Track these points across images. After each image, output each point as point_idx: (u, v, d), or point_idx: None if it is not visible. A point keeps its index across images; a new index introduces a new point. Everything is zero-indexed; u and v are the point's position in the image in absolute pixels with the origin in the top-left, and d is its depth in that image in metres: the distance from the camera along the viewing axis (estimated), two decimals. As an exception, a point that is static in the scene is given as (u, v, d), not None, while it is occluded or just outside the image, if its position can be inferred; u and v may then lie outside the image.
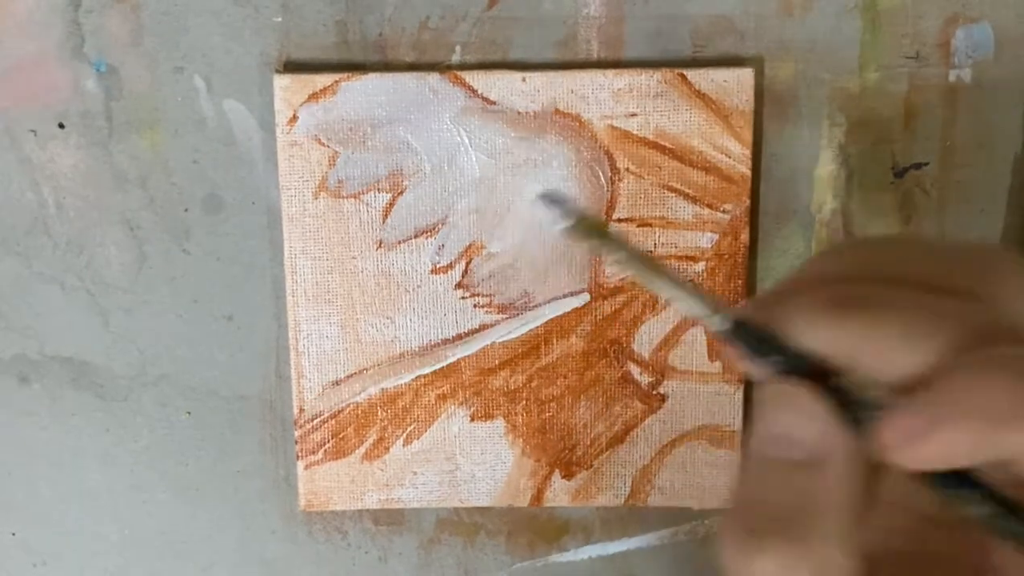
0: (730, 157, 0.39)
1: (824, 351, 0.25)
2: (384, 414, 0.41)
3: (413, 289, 0.40)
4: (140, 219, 0.40)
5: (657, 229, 0.39)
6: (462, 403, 0.41)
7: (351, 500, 0.41)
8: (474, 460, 0.41)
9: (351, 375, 0.40)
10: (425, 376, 0.40)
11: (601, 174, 0.39)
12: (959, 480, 0.24)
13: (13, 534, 0.43)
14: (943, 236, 0.40)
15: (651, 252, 0.31)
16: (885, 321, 0.25)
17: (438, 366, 0.40)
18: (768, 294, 0.27)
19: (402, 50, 0.39)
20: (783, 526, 0.26)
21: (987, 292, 0.25)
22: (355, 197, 0.39)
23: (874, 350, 0.25)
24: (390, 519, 0.43)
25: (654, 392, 0.41)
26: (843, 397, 0.25)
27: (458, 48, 0.39)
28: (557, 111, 0.38)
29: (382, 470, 0.41)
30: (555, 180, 0.39)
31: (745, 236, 0.39)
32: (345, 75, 0.38)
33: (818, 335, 0.25)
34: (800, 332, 0.25)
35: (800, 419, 0.26)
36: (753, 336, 0.26)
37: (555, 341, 0.40)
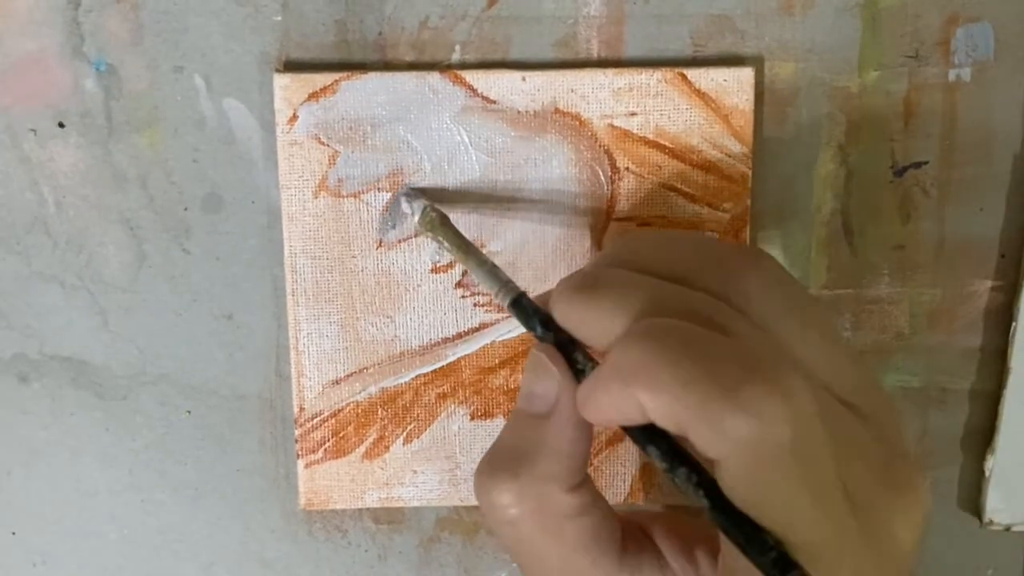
0: (730, 156, 0.39)
1: (563, 324, 0.31)
2: (384, 413, 0.41)
3: (413, 288, 0.40)
4: (140, 218, 0.40)
5: (657, 228, 0.39)
6: (462, 402, 0.41)
7: (351, 499, 0.41)
8: (474, 459, 0.41)
9: (351, 374, 0.40)
10: (425, 375, 0.40)
11: (601, 173, 0.39)
12: (649, 436, 0.29)
13: (13, 533, 0.43)
14: (943, 235, 0.40)
15: (470, 241, 0.37)
16: (597, 298, 0.29)
17: (438, 365, 0.40)
18: (563, 279, 0.32)
19: (402, 49, 0.39)
20: (514, 465, 0.31)
21: (729, 288, 0.30)
22: (355, 196, 0.39)
23: (589, 323, 0.30)
24: (390, 518, 0.43)
25: (654, 391, 0.41)
26: (576, 366, 0.31)
27: (458, 47, 0.39)
28: (557, 110, 0.38)
29: (382, 469, 0.41)
30: (555, 179, 0.39)
31: (745, 235, 0.40)
32: (345, 74, 0.38)
33: (558, 310, 0.31)
34: (553, 310, 0.31)
35: (540, 379, 0.31)
36: (525, 310, 0.32)
37: (555, 340, 0.40)
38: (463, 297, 0.40)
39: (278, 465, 0.42)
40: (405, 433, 0.41)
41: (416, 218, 0.38)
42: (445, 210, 0.37)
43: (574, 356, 0.31)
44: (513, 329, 0.40)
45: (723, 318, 0.29)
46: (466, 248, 0.36)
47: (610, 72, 0.38)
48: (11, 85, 0.38)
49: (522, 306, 0.33)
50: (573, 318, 0.31)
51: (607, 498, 0.41)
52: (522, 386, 0.33)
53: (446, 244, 0.37)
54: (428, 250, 0.39)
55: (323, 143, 0.38)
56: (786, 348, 0.29)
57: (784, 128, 0.40)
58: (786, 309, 0.30)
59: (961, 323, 0.41)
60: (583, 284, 0.30)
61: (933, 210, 0.40)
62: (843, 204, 0.40)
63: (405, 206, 0.38)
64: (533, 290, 0.40)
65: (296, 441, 0.41)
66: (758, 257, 0.32)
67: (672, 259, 0.31)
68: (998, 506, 0.42)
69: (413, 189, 0.39)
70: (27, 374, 0.41)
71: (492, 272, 0.35)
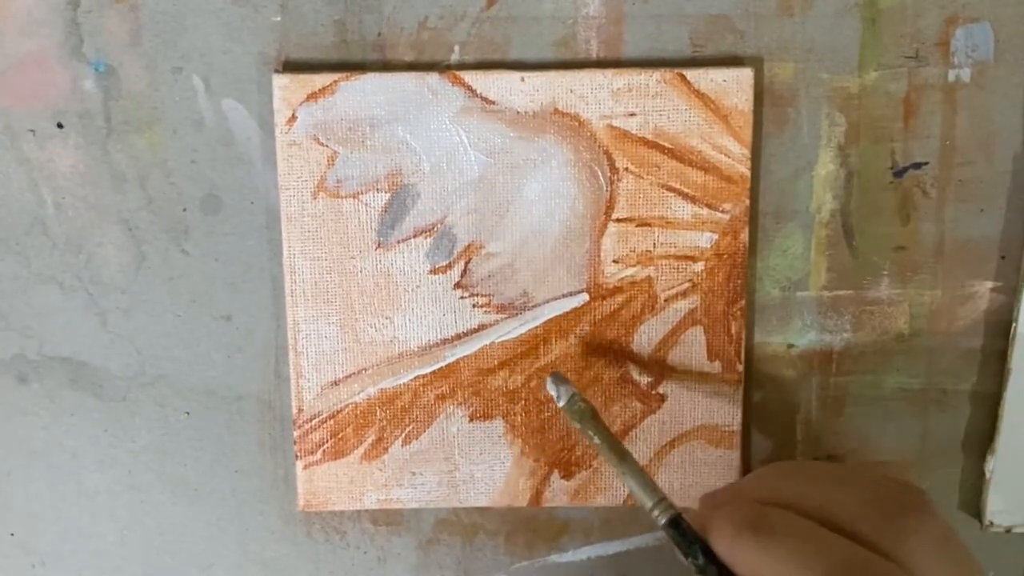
0: (729, 157, 0.39)
1: (727, 560, 0.31)
2: (383, 414, 0.41)
3: (412, 289, 0.40)
4: (138, 219, 0.40)
5: (656, 229, 0.39)
6: (461, 403, 0.41)
7: (350, 500, 0.41)
8: (473, 460, 0.41)
9: (350, 375, 0.40)
10: (424, 376, 0.40)
11: (600, 174, 0.39)
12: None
13: (12, 534, 0.43)
14: (943, 236, 0.40)
15: (622, 441, 0.36)
16: (775, 546, 0.30)
17: (437, 366, 0.40)
18: (709, 497, 0.33)
19: (401, 50, 0.39)
20: None
21: (897, 547, 0.30)
22: (354, 197, 0.39)
23: (761, 569, 0.30)
24: (389, 519, 0.43)
25: (653, 392, 0.41)
26: None
27: (457, 48, 0.39)
28: (556, 111, 0.38)
29: (381, 470, 0.41)
30: (554, 179, 0.39)
31: (744, 236, 0.39)
32: (344, 75, 0.38)
33: (723, 547, 0.31)
34: (715, 541, 0.31)
35: None
36: (684, 534, 0.32)
37: (554, 341, 0.40)
38: (462, 298, 0.40)
39: (277, 466, 0.42)
40: (404, 434, 0.41)
41: (561, 404, 0.37)
42: (445, 211, 0.37)
43: None
44: (512, 330, 0.40)
45: None
46: (619, 450, 0.35)
47: (609, 72, 0.38)
48: (10, 86, 0.38)
49: (682, 529, 0.32)
50: (741, 558, 0.30)
51: (606, 499, 0.42)
52: None
53: (595, 439, 0.35)
54: (427, 251, 0.39)
55: (322, 144, 0.38)
56: None
57: (784, 128, 0.39)
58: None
59: (961, 324, 0.41)
60: (757, 526, 0.30)
61: (933, 211, 0.40)
62: (843, 205, 0.40)
63: (551, 388, 0.37)
64: (532, 290, 0.40)
65: (295, 442, 0.41)
66: (923, 510, 0.31)
67: (837, 504, 0.31)
68: (999, 508, 0.42)
69: (558, 375, 0.37)
70: (26, 375, 0.41)
71: (647, 483, 0.33)
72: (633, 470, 0.34)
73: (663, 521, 0.32)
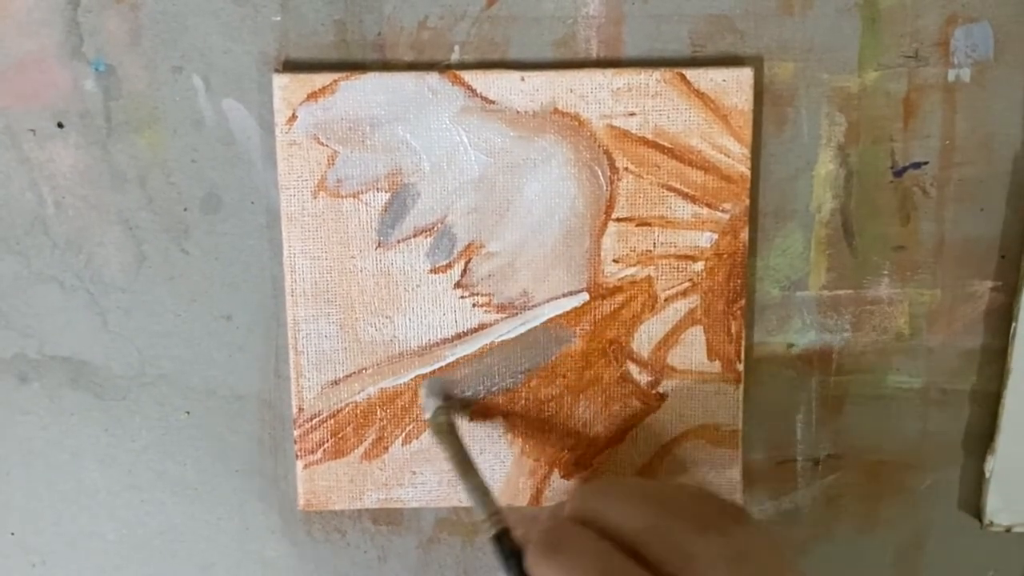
0: (729, 156, 0.39)
1: (531, 574, 0.33)
2: (383, 413, 0.41)
3: (412, 288, 0.40)
4: (139, 219, 0.40)
5: (656, 228, 0.39)
6: (461, 403, 0.41)
7: (350, 500, 0.41)
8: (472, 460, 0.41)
9: (350, 374, 0.40)
10: (424, 375, 0.40)
11: (600, 173, 0.39)
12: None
13: (12, 534, 0.43)
14: (943, 236, 0.40)
15: (471, 459, 0.38)
16: (559, 562, 0.32)
17: (437, 365, 0.40)
18: (535, 515, 0.37)
19: (401, 49, 0.39)
20: None
21: (683, 567, 0.32)
22: (354, 196, 0.39)
23: None
24: (389, 519, 0.43)
25: (653, 391, 0.41)
26: None
27: (457, 47, 0.39)
28: (556, 110, 0.38)
29: (381, 470, 0.41)
30: (554, 179, 0.39)
31: (744, 235, 0.39)
32: (344, 74, 0.38)
33: (530, 563, 0.33)
34: (525, 557, 0.34)
35: None
36: (504, 549, 0.35)
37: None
38: (462, 298, 0.40)
39: (277, 466, 0.42)
40: (404, 434, 0.41)
41: (426, 416, 0.40)
42: (445, 210, 0.37)
43: None
44: (512, 330, 0.40)
45: None
46: (465, 464, 0.38)
47: (609, 72, 0.38)
48: (10, 85, 0.38)
49: (503, 543, 0.35)
50: (537, 572, 0.33)
51: (606, 499, 0.42)
52: None
53: (446, 453, 0.38)
54: (427, 250, 0.39)
55: (322, 143, 0.38)
56: None
57: (783, 128, 0.39)
58: None
59: (961, 324, 0.41)
60: (549, 543, 0.33)
61: (933, 210, 0.40)
62: (843, 204, 0.40)
63: (423, 395, 0.40)
64: (532, 289, 0.40)
65: (295, 442, 0.41)
66: (721, 532, 0.33)
67: (635, 524, 0.33)
68: (999, 507, 0.42)
69: (434, 380, 0.40)
70: (27, 374, 0.41)
71: (484, 497, 0.36)
72: (473, 484, 0.37)
73: (491, 534, 0.35)
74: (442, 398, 0.40)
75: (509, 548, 0.35)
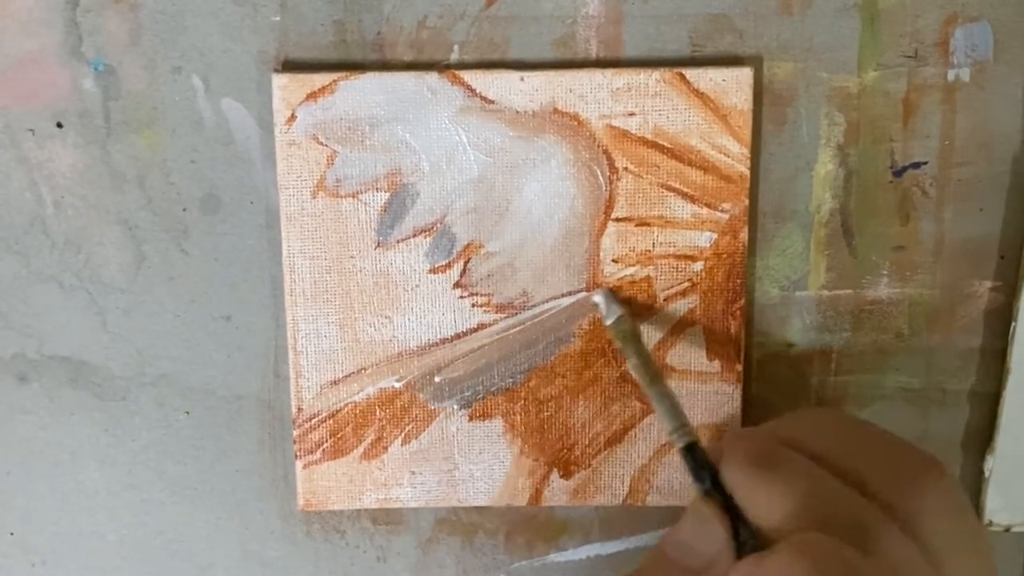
0: (729, 156, 0.39)
1: (731, 490, 0.32)
2: (382, 413, 0.41)
3: (411, 288, 0.40)
4: (138, 219, 0.40)
5: (655, 228, 0.39)
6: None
7: (349, 500, 0.41)
8: (472, 460, 0.41)
9: (349, 374, 0.40)
10: (436, 368, 0.40)
11: (599, 173, 0.39)
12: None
13: (11, 534, 0.43)
14: (943, 236, 0.40)
15: (661, 367, 0.37)
16: (771, 480, 0.30)
17: (437, 365, 0.40)
18: (734, 432, 0.34)
19: (400, 49, 0.39)
20: None
21: (905, 503, 0.30)
22: (353, 196, 0.39)
23: (756, 500, 0.31)
24: (388, 519, 0.43)
25: (653, 392, 0.41)
26: (735, 531, 0.31)
27: (456, 47, 0.39)
28: (556, 110, 0.38)
29: (380, 470, 0.41)
30: (554, 179, 0.39)
31: (744, 235, 0.39)
32: (343, 74, 0.38)
33: (730, 476, 0.32)
34: (724, 469, 0.32)
35: (702, 536, 0.32)
36: (696, 459, 0.33)
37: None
38: (461, 297, 0.40)
39: (276, 466, 0.42)
40: (403, 434, 0.41)
41: (608, 322, 0.39)
42: (445, 210, 0.37)
43: (737, 524, 0.31)
44: (511, 330, 0.40)
45: (887, 542, 0.29)
46: (652, 373, 0.36)
47: (609, 72, 0.38)
48: (9, 85, 0.38)
49: (696, 454, 0.33)
50: (743, 489, 0.31)
51: (606, 499, 0.42)
52: (678, 533, 0.33)
53: (631, 360, 0.37)
54: (426, 250, 0.39)
55: (321, 143, 0.38)
56: None
57: (783, 128, 0.39)
58: (957, 540, 0.30)
59: (961, 324, 0.41)
60: (761, 460, 0.31)
61: (933, 210, 0.40)
62: (842, 204, 0.40)
63: (603, 302, 0.39)
64: (531, 289, 0.40)
65: (294, 442, 0.41)
66: (937, 475, 0.31)
67: (852, 456, 0.31)
68: (998, 507, 0.42)
69: (610, 291, 0.39)
70: (26, 374, 0.41)
71: (673, 408, 0.35)
72: (661, 393, 0.35)
73: (680, 445, 0.33)
74: (618, 308, 0.38)
75: (704, 460, 0.33)
